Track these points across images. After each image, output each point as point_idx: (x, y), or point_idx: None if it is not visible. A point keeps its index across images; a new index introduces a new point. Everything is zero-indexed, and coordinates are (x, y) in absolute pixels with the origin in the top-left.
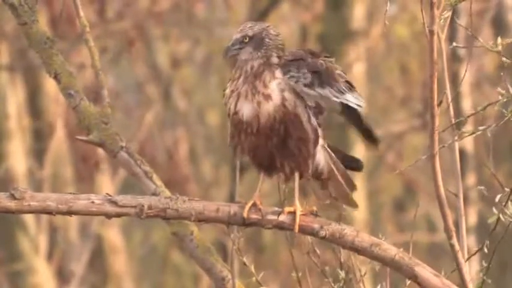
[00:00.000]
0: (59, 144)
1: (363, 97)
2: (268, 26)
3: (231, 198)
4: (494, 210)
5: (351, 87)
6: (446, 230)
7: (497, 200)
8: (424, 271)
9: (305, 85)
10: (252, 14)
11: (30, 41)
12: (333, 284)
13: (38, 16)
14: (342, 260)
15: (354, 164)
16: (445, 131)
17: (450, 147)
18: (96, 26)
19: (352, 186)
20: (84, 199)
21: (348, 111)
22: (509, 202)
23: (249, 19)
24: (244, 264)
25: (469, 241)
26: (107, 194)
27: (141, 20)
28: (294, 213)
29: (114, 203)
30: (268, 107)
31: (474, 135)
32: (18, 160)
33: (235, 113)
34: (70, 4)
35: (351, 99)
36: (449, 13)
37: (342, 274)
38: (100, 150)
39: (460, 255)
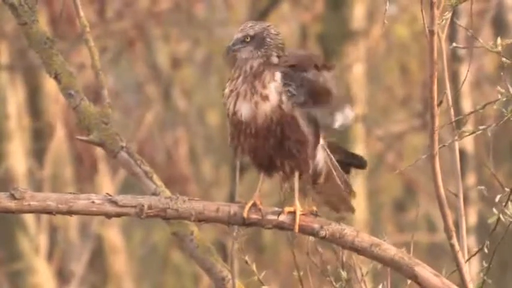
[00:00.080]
0: (59, 144)
1: (359, 103)
2: (269, 26)
3: (231, 198)
4: (495, 210)
5: (346, 101)
6: (446, 230)
7: (497, 200)
8: (424, 271)
9: (297, 104)
10: (252, 14)
11: (30, 41)
12: (334, 283)
13: (38, 16)
14: (342, 259)
15: (356, 162)
16: (445, 131)
17: (450, 147)
18: (96, 26)
19: (351, 192)
20: (84, 199)
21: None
22: (509, 202)
23: (249, 19)
24: (246, 262)
25: (469, 241)
26: (107, 193)
27: (141, 20)
28: (294, 213)
29: (114, 202)
30: (266, 108)
31: (474, 134)
32: (18, 160)
33: (234, 113)
34: (70, 4)
35: (339, 118)
36: (450, 13)
37: (344, 274)
38: (99, 150)
39: (460, 255)
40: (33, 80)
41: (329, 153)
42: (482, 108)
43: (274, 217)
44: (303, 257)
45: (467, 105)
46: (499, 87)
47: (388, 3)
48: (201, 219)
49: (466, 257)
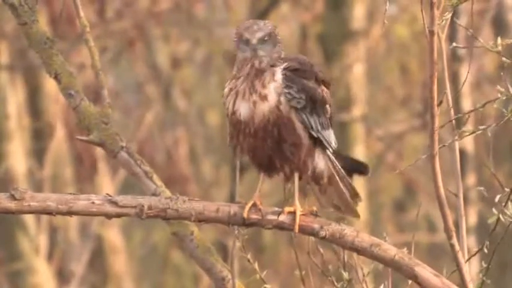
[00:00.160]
0: (59, 144)
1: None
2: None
3: (231, 198)
4: (494, 210)
5: (330, 124)
6: (446, 230)
7: (497, 200)
8: (424, 271)
9: (296, 108)
10: (252, 14)
11: (30, 41)
12: (336, 283)
13: (38, 16)
14: (344, 259)
15: (360, 168)
16: (445, 131)
17: (450, 147)
18: (96, 26)
19: (356, 196)
20: (84, 199)
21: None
22: (509, 202)
23: (249, 19)
24: (248, 260)
25: (469, 241)
26: (107, 194)
27: (141, 20)
28: (294, 213)
29: (115, 203)
30: (264, 108)
31: (474, 134)
32: (18, 160)
33: (233, 112)
34: (70, 4)
35: (326, 136)
36: (450, 13)
37: (346, 275)
38: (99, 150)
39: (460, 255)
40: (33, 80)
41: (332, 157)
42: (482, 107)
43: (274, 217)
44: (303, 257)
45: (467, 105)
46: (499, 87)
47: (388, 3)
48: (201, 220)
49: (466, 257)
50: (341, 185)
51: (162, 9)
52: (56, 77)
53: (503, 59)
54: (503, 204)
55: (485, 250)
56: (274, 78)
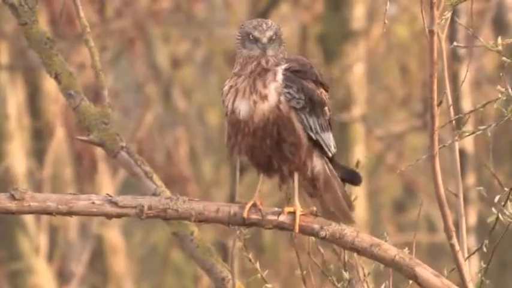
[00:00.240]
0: (59, 144)
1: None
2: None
3: (231, 199)
4: (494, 210)
5: (330, 126)
6: (446, 230)
7: (496, 200)
8: (424, 271)
9: (295, 108)
10: (252, 14)
11: (30, 41)
12: (336, 283)
13: (38, 16)
14: (344, 259)
15: (353, 177)
16: (445, 131)
17: (450, 147)
18: (96, 26)
19: (350, 204)
20: (85, 199)
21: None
22: (509, 202)
23: (249, 19)
24: (250, 260)
25: (469, 241)
26: (107, 194)
27: (141, 19)
28: (294, 213)
29: (115, 203)
30: (263, 107)
31: (474, 134)
32: (18, 160)
33: (233, 111)
34: (70, 4)
35: (326, 139)
36: (450, 13)
37: (346, 275)
38: (99, 150)
39: (460, 255)
40: (33, 80)
41: (328, 163)
42: (482, 107)
43: (274, 217)
44: (304, 257)
45: (467, 105)
46: (499, 87)
47: (388, 3)
48: (201, 220)
49: (466, 257)
50: (337, 190)
51: (162, 8)
52: (56, 77)
53: (504, 58)
54: (503, 204)
55: (485, 249)
56: (276, 78)
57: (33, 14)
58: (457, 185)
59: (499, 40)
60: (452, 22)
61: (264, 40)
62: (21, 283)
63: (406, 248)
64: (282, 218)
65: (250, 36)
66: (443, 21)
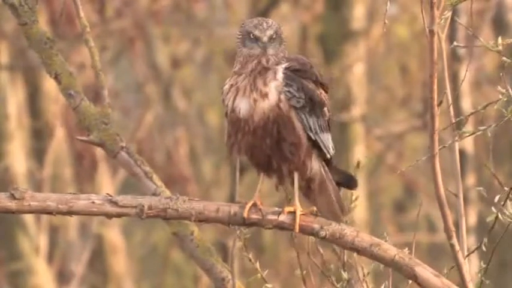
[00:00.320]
0: (58, 144)
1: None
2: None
3: (231, 198)
4: (493, 209)
5: (329, 128)
6: (446, 230)
7: (496, 200)
8: (424, 271)
9: (295, 107)
10: (252, 13)
11: (30, 41)
12: (335, 283)
13: (38, 16)
14: (344, 259)
15: (349, 181)
16: (446, 131)
17: (450, 148)
18: (96, 26)
19: (343, 208)
20: (85, 199)
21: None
22: (508, 202)
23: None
24: (250, 260)
25: (469, 241)
26: (107, 194)
27: (141, 19)
28: (294, 213)
29: (115, 203)
30: (264, 105)
31: (474, 135)
32: (18, 160)
33: (233, 110)
34: (70, 4)
35: (325, 140)
36: (450, 13)
37: (345, 275)
38: (99, 150)
39: (460, 255)
40: (33, 80)
41: (324, 165)
42: (483, 109)
43: (274, 217)
44: (303, 257)
45: (467, 105)
46: (499, 88)
47: (388, 3)
48: (201, 220)
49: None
50: (331, 193)
51: (162, 7)
52: (56, 77)
53: (504, 58)
54: (502, 203)
55: (484, 248)
56: (276, 77)
57: (33, 14)
58: (457, 185)
59: (499, 40)
60: (452, 22)
61: (265, 39)
62: (21, 283)
63: (406, 248)
64: (282, 217)
65: (251, 35)
66: (443, 21)
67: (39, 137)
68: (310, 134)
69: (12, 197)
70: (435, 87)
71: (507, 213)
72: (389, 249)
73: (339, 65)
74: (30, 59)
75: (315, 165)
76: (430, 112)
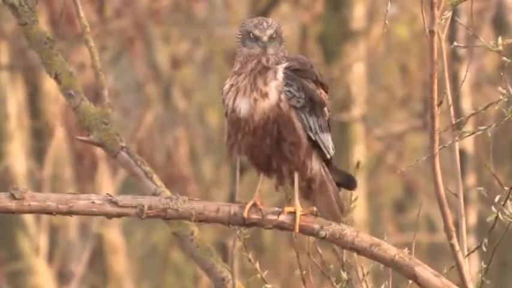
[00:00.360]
0: (58, 144)
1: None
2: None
3: (231, 198)
4: (494, 209)
5: (329, 128)
6: (446, 230)
7: (496, 200)
8: (424, 271)
9: (295, 107)
10: (252, 13)
11: (30, 41)
12: (335, 284)
13: (38, 16)
14: (343, 259)
15: (349, 182)
16: (446, 131)
17: (450, 148)
18: (96, 26)
19: (343, 209)
20: (85, 199)
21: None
22: (508, 201)
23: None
24: (249, 260)
25: (469, 241)
26: (107, 194)
27: (140, 18)
28: (294, 213)
29: (115, 203)
30: (264, 105)
31: (474, 135)
32: (18, 160)
33: (233, 110)
34: (70, 4)
35: (325, 140)
36: (450, 13)
37: (345, 275)
38: (99, 150)
39: (460, 255)
40: (33, 80)
41: (325, 166)
42: (484, 110)
43: (274, 217)
44: (303, 257)
45: (467, 106)
46: (500, 88)
47: (389, 4)
48: (201, 220)
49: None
50: (331, 193)
51: (162, 7)
52: (56, 77)
53: (504, 58)
54: (502, 203)
55: (484, 248)
56: (276, 77)
57: (33, 14)
58: (457, 185)
59: (499, 40)
60: (453, 22)
61: (265, 38)
62: (21, 283)
63: (406, 248)
64: (282, 217)
65: (251, 34)
66: (443, 21)
67: (39, 137)
68: (310, 134)
69: (12, 197)
70: (435, 87)
71: (507, 213)
72: (389, 249)
73: (339, 65)
74: (30, 59)
75: (315, 166)
76: (430, 112)
